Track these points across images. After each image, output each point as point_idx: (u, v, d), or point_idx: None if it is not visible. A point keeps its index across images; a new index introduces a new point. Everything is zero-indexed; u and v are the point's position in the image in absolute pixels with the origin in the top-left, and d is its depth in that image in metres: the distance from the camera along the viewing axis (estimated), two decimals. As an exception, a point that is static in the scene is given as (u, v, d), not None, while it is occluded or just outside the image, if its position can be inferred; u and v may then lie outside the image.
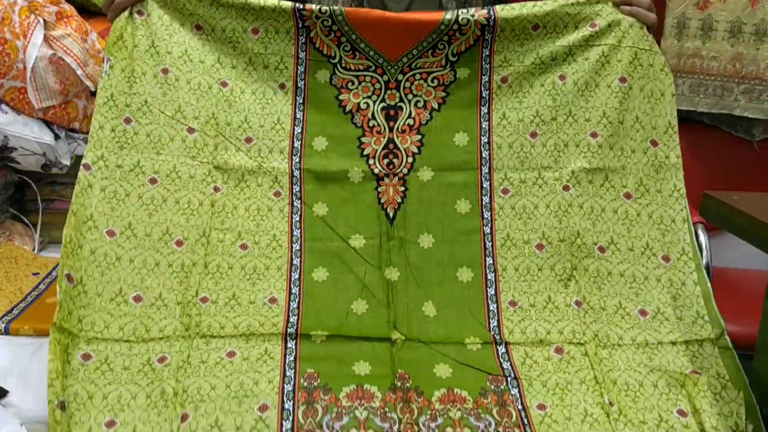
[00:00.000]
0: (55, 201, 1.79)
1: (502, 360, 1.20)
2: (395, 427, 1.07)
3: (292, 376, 1.14)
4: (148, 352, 1.15)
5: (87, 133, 1.59)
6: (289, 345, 1.19)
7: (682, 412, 1.11)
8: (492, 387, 1.15)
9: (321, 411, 1.09)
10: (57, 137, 1.62)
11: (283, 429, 1.06)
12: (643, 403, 1.13)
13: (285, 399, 1.10)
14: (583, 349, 1.19)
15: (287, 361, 1.17)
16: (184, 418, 1.08)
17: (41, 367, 1.09)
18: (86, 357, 1.12)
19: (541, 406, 1.12)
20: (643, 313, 1.22)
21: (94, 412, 1.07)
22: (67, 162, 1.66)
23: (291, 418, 1.07)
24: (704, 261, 1.41)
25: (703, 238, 1.53)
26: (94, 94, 1.66)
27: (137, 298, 1.20)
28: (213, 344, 1.18)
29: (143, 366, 1.14)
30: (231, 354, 1.17)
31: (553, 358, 1.19)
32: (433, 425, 1.08)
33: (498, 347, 1.21)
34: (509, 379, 1.17)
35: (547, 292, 1.26)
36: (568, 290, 1.25)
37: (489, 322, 1.24)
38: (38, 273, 1.56)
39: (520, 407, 1.12)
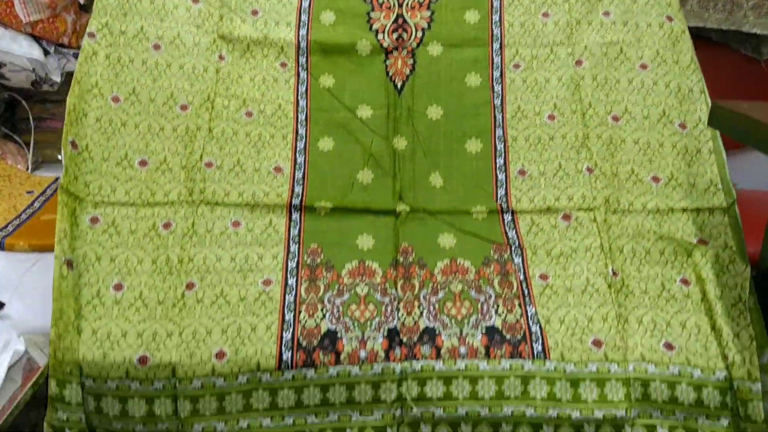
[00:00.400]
0: (46, 119, 1.72)
1: (507, 228, 1.19)
2: (395, 303, 1.08)
3: (296, 252, 1.15)
4: (153, 217, 1.16)
5: (77, 48, 1.53)
6: (293, 217, 1.19)
7: (685, 281, 1.10)
8: (495, 256, 1.15)
9: (323, 288, 1.10)
10: (46, 53, 1.57)
11: (286, 302, 1.08)
12: (647, 272, 1.12)
13: (288, 275, 1.12)
14: (592, 214, 1.18)
15: (291, 236, 1.17)
16: (190, 286, 1.09)
17: (37, 281, 1.11)
18: (94, 220, 1.13)
19: (543, 276, 1.12)
20: (655, 179, 1.20)
21: (103, 274, 1.09)
22: (57, 78, 1.59)
23: (294, 293, 1.10)
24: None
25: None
26: (82, 7, 1.61)
27: (142, 163, 1.19)
28: (218, 212, 1.18)
29: (149, 231, 1.15)
30: (236, 224, 1.17)
31: (560, 226, 1.18)
32: (433, 299, 1.09)
33: (504, 215, 1.20)
34: (513, 247, 1.16)
35: (558, 159, 1.23)
36: (580, 156, 1.23)
37: (497, 192, 1.23)
38: (32, 191, 1.52)
39: (521, 277, 1.11)
